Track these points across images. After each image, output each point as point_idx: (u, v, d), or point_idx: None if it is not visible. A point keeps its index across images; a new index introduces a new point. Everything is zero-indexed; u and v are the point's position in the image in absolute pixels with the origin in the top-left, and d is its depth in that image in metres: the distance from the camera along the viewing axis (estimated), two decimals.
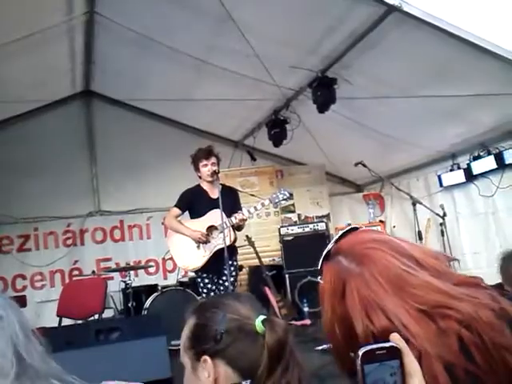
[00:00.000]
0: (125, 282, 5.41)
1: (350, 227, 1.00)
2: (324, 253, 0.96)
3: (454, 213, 5.69)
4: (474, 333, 0.76)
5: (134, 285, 5.34)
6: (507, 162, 4.89)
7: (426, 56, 4.13)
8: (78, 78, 6.19)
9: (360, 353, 0.63)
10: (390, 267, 0.86)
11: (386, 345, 0.64)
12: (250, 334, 1.04)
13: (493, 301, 0.81)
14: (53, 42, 4.85)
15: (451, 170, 5.70)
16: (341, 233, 0.98)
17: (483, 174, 5.25)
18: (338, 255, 0.93)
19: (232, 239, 4.15)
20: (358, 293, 0.85)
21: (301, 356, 1.04)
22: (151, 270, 6.67)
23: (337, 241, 0.96)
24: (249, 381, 1.00)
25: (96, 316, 4.58)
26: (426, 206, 5.38)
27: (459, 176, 5.55)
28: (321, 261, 0.96)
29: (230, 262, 4.09)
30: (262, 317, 1.05)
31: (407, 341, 0.74)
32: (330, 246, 0.96)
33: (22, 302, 4.22)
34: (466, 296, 0.81)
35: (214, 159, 4.23)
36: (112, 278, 6.07)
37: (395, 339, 0.65)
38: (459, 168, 5.59)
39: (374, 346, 0.63)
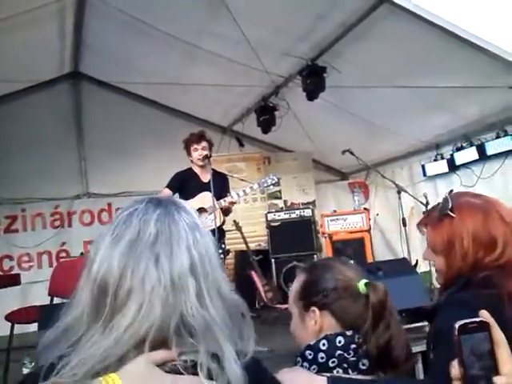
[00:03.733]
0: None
1: (452, 189, 1.48)
2: (443, 200, 1.36)
3: (436, 202, 5.80)
4: None
5: None
6: (489, 154, 5.03)
7: (414, 47, 4.22)
8: (66, 59, 6.14)
9: (456, 326, 0.73)
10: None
11: (477, 319, 0.74)
12: (352, 294, 1.21)
13: None
14: (42, 21, 4.81)
15: (435, 160, 5.83)
16: (450, 190, 1.45)
17: (465, 165, 5.39)
18: (464, 197, 1.37)
19: (221, 222, 4.24)
20: (498, 218, 1.27)
21: (398, 316, 1.20)
22: None
23: (449, 194, 1.38)
24: (351, 330, 1.18)
25: None
26: (411, 195, 5.51)
27: (442, 166, 5.69)
28: (449, 205, 1.32)
29: (218, 245, 4.18)
30: (364, 280, 1.22)
31: None
32: (446, 197, 1.37)
33: (14, 280, 4.26)
34: None
35: (204, 143, 4.30)
36: None
37: (484, 315, 0.74)
38: (442, 158, 5.72)
39: (468, 321, 0.73)
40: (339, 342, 1.17)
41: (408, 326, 3.77)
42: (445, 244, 1.30)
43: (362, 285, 1.21)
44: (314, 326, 1.22)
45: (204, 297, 0.80)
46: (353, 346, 1.16)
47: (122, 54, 5.70)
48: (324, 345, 1.17)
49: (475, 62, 4.06)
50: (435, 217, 1.35)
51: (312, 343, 1.19)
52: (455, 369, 0.73)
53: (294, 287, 1.32)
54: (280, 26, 4.48)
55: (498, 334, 0.74)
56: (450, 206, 1.31)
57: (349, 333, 1.19)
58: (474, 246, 1.25)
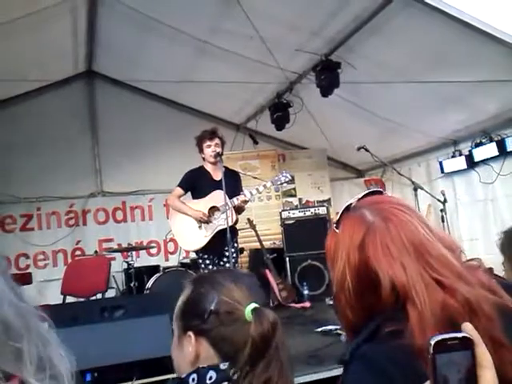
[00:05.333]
0: (127, 262, 5.47)
1: (374, 189, 1.03)
2: (345, 205, 1.00)
3: (454, 199, 5.72)
4: (472, 320, 0.77)
5: (135, 265, 5.40)
6: (509, 150, 4.90)
7: (430, 41, 4.12)
8: (80, 58, 6.17)
9: (432, 342, 0.61)
10: (415, 232, 0.91)
11: (459, 335, 0.62)
12: (237, 320, 1.02)
13: (490, 290, 0.86)
14: (55, 20, 4.83)
15: (453, 157, 5.71)
16: (366, 192, 1.02)
17: (484, 161, 5.26)
18: (361, 209, 0.97)
19: (233, 220, 4.19)
20: (381, 244, 0.90)
21: (286, 354, 1.01)
22: (153, 251, 6.72)
23: (360, 198, 1.00)
24: (227, 363, 0.99)
25: (99, 295, 4.64)
26: (427, 192, 5.40)
27: (461, 163, 5.57)
28: (340, 212, 1.00)
29: (231, 244, 4.13)
30: (253, 305, 1.02)
31: (412, 300, 0.83)
32: (352, 201, 1.00)
33: (27, 279, 4.28)
34: (472, 280, 0.86)
35: (217, 140, 4.25)
36: (114, 259, 6.12)
37: (468, 329, 0.63)
38: (461, 155, 5.60)
39: (446, 336, 0.62)
40: (210, 379, 0.98)
41: None
42: (329, 258, 1.00)
43: (248, 311, 1.01)
44: (190, 352, 1.03)
45: (12, 288, 0.71)
46: (225, 383, 0.97)
47: (135, 52, 5.70)
48: (194, 380, 0.99)
49: (493, 55, 3.94)
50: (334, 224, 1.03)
51: (183, 377, 1.01)
52: None
53: (178, 302, 1.12)
54: (293, 21, 4.41)
55: (484, 354, 0.61)
56: (339, 217, 1.00)
57: (223, 366, 0.99)
58: (350, 275, 0.92)
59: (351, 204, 1.00)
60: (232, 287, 1.06)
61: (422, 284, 0.85)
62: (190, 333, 1.04)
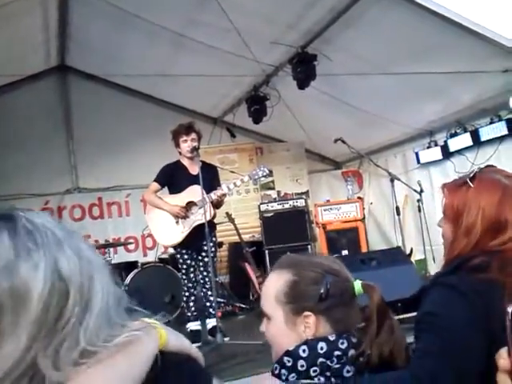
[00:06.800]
0: (105, 258, 5.39)
1: (490, 164, 1.41)
2: (472, 171, 1.29)
3: (431, 189, 5.79)
4: None
5: (113, 262, 5.33)
6: (482, 139, 4.97)
7: (406, 33, 4.14)
8: (52, 52, 6.03)
9: (510, 310, 0.60)
10: None
11: None
12: (349, 296, 1.12)
13: None
14: (25, 13, 4.70)
15: (428, 147, 5.78)
16: (486, 165, 1.38)
17: (459, 151, 5.34)
18: (492, 173, 1.27)
19: (211, 215, 4.16)
20: None
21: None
22: (131, 247, 6.64)
23: (481, 169, 1.31)
24: (334, 335, 1.08)
25: None
26: (404, 183, 5.46)
27: (436, 153, 5.64)
28: (472, 174, 1.27)
29: (210, 238, 4.10)
30: (359, 280, 1.13)
31: None
32: (474, 169, 1.31)
33: None
34: None
35: (194, 135, 4.20)
36: None
37: None
38: (436, 145, 5.67)
39: None
40: (321, 349, 1.06)
41: (403, 316, 3.75)
42: (454, 211, 1.25)
43: (358, 286, 1.12)
44: (303, 332, 1.10)
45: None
46: (336, 352, 1.05)
47: (109, 45, 5.60)
48: (304, 351, 1.06)
49: (468, 46, 3.99)
50: (457, 182, 1.30)
51: (291, 349, 1.08)
52: (504, 359, 0.61)
53: (276, 287, 1.15)
54: (268, 13, 4.39)
55: None
56: (473, 175, 1.26)
57: (331, 338, 1.08)
58: (482, 223, 1.18)
59: (475, 171, 1.28)
60: (337, 267, 1.16)
61: None
62: (308, 313, 1.10)
